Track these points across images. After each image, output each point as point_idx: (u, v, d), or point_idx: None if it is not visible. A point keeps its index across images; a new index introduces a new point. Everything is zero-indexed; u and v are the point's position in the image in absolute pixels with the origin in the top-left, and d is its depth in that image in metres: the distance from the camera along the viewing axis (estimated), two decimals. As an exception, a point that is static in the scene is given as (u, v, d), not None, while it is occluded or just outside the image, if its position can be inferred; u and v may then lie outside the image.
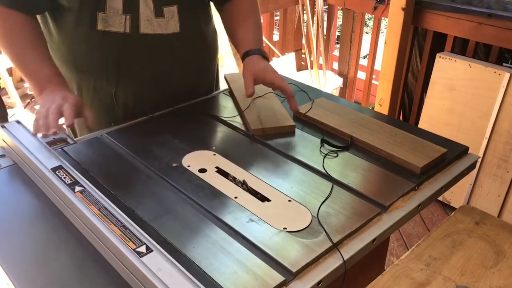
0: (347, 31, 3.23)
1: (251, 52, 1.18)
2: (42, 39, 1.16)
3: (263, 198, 0.92)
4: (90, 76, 1.21)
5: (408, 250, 0.90)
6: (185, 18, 1.20)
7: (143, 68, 1.20)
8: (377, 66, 2.91)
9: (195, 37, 1.28)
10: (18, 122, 1.06)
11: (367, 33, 4.81)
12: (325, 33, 3.32)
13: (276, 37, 3.71)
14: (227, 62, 2.82)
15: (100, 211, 0.80)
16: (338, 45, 3.67)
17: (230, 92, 1.40)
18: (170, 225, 0.84)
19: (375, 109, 2.59)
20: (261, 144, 1.14)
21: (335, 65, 3.59)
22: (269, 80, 1.15)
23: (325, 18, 3.33)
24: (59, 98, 1.02)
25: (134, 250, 0.71)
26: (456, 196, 2.43)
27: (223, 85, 1.51)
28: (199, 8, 1.26)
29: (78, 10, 1.10)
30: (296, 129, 1.19)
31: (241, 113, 1.26)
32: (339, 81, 3.32)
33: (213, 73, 1.43)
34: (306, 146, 1.12)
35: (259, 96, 1.31)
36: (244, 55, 1.19)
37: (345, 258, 0.79)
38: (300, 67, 3.56)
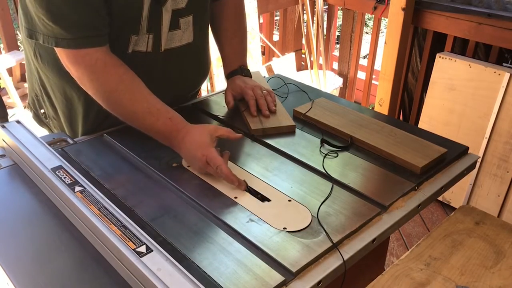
0: (347, 31, 3.23)
1: (232, 74, 1.32)
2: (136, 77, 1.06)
3: (263, 198, 0.92)
4: None
5: (408, 250, 0.90)
6: (198, 27, 1.21)
7: (154, 78, 1.19)
8: (377, 66, 2.91)
9: (204, 43, 1.30)
10: (18, 122, 1.06)
11: (367, 33, 4.82)
12: (325, 33, 3.32)
13: (276, 37, 3.71)
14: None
15: (100, 211, 0.80)
16: (338, 45, 3.67)
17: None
18: (170, 225, 0.84)
19: (375, 109, 2.59)
20: (261, 144, 1.14)
21: (335, 65, 3.59)
22: (244, 95, 1.25)
23: (325, 18, 3.33)
24: (202, 158, 0.96)
25: (134, 250, 0.71)
26: (456, 196, 2.43)
27: (222, 85, 1.51)
28: (207, 14, 1.27)
29: (116, 35, 1.05)
30: (296, 129, 1.19)
31: (241, 113, 1.26)
32: (339, 81, 3.32)
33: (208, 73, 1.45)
34: (306, 146, 1.12)
35: None
36: (227, 77, 1.34)
37: (345, 258, 0.79)
38: (300, 67, 3.56)
